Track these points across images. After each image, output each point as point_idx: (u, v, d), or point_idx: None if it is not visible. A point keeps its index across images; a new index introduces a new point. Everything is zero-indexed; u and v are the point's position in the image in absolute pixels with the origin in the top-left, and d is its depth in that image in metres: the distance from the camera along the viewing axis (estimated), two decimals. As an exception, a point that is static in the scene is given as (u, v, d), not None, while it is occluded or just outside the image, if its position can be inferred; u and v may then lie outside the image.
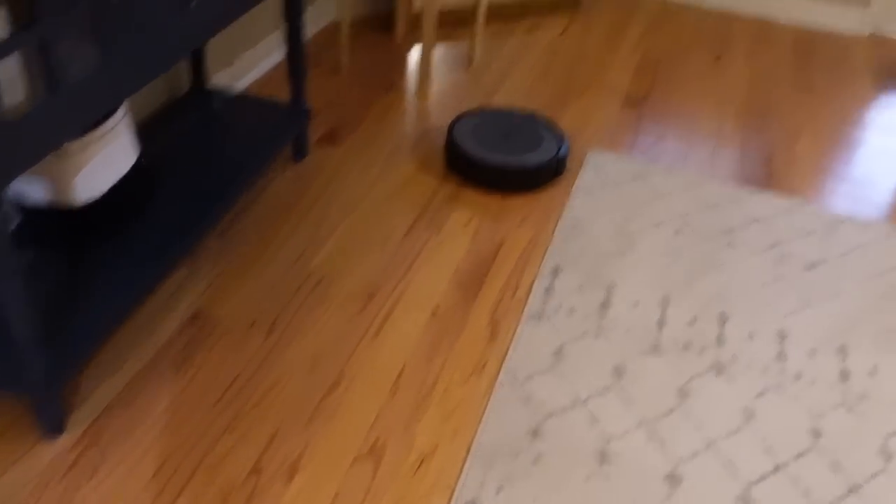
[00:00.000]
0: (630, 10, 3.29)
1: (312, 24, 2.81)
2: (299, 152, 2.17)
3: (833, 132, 2.57)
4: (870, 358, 1.73)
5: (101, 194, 1.53)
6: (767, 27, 3.27)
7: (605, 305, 1.79)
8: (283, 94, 2.46)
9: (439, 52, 2.83)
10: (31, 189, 1.48)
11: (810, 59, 3.03)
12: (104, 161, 1.50)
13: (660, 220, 2.09)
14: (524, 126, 2.28)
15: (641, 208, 2.12)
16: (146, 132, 1.94)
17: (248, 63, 2.46)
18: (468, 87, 2.62)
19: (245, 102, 2.11)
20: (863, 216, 2.19)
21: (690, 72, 2.85)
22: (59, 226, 1.55)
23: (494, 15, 3.07)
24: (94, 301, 1.47)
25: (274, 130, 2.01)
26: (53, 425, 1.40)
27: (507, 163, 2.12)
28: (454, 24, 3.02)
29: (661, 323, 1.76)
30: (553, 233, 2.02)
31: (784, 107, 2.69)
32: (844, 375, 1.68)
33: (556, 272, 1.88)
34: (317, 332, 1.68)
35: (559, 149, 2.20)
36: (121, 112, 1.53)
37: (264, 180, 2.10)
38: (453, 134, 2.22)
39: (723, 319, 1.79)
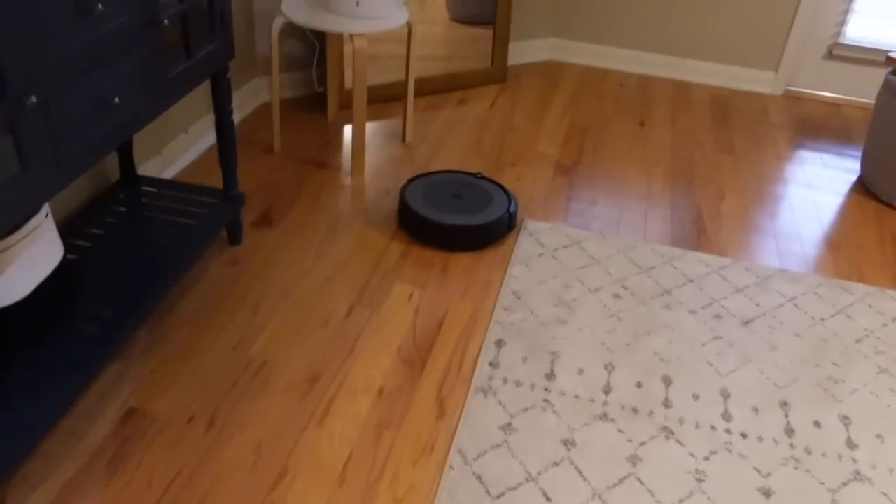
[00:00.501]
0: (554, 80, 3.39)
1: (245, 105, 2.81)
2: (234, 237, 2.13)
3: (755, 189, 2.67)
4: (811, 412, 1.75)
5: (25, 296, 1.47)
6: (685, 89, 3.41)
7: (550, 376, 1.79)
8: (215, 178, 2.44)
9: (372, 128, 2.86)
10: (-51, 294, 1.41)
11: (729, 120, 3.16)
12: (26, 262, 1.44)
13: (598, 285, 2.11)
14: (473, 185, 2.38)
15: (579, 275, 2.15)
16: (73, 226, 1.89)
17: (178, 149, 2.44)
18: (402, 162, 2.64)
19: (176, 190, 2.08)
20: (792, 269, 2.26)
21: (617, 137, 2.95)
22: (-20, 330, 1.48)
23: (424, 89, 3.13)
24: (18, 408, 1.40)
25: (207, 217, 1.98)
26: (-24, 547, 1.31)
27: (465, 222, 2.19)
28: (385, 100, 3.06)
29: (607, 389, 1.76)
30: (494, 304, 2.02)
31: (707, 167, 2.79)
32: (789, 431, 1.70)
33: (499, 344, 1.87)
34: (258, 422, 1.63)
35: (510, 204, 2.29)
36: (43, 211, 1.48)
37: (199, 268, 2.06)
38: (405, 197, 2.28)
39: (667, 382, 1.80)
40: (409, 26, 2.52)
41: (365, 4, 2.33)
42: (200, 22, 1.72)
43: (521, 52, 3.50)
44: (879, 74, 3.34)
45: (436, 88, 3.17)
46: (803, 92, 3.45)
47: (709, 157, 2.87)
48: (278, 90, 2.52)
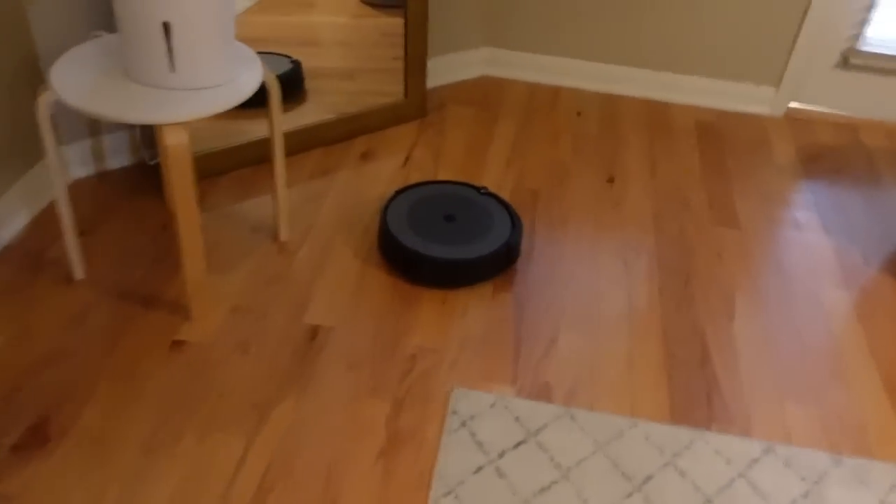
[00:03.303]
0: (491, 109, 2.54)
1: (31, 203, 1.90)
2: (-32, 498, 1.29)
3: (774, 291, 1.91)
4: None
5: None
6: (663, 113, 2.60)
7: None
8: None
9: (233, 216, 1.99)
10: None
11: (723, 163, 2.38)
12: None
13: (571, 533, 1.34)
14: (472, 203, 1.97)
15: (541, 511, 1.37)
16: None
17: None
18: (275, 283, 1.80)
19: None
20: (846, 454, 1.52)
21: (579, 206, 2.14)
22: None
23: (314, 140, 2.26)
24: None
25: None
26: None
27: (448, 255, 1.79)
28: (256, 161, 2.18)
29: None
30: None
31: (706, 254, 2.01)
32: None
33: None
34: None
35: (512, 233, 1.88)
36: None
37: None
38: (388, 217, 1.88)
39: None
40: (268, 89, 1.64)
41: (186, 69, 1.44)
42: None
43: (446, 68, 2.63)
44: (908, 88, 2.59)
45: (329, 138, 2.29)
46: (809, 111, 2.68)
47: (705, 233, 2.09)
48: (65, 197, 1.63)
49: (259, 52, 2.22)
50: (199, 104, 1.43)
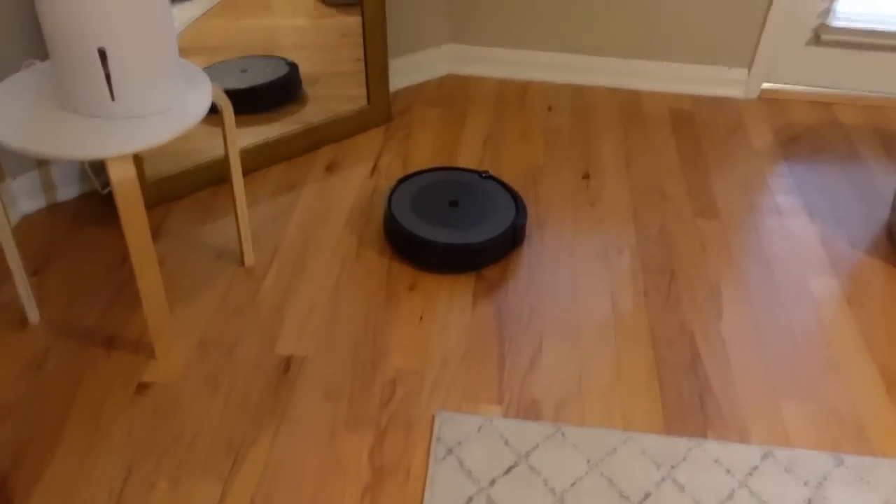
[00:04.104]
0: (459, 109, 2.46)
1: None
2: (-78, 577, 1.20)
3: (760, 283, 1.86)
4: None
5: None
6: (635, 103, 2.54)
7: None
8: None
9: (195, 239, 1.90)
10: None
11: (700, 152, 2.32)
12: None
13: (570, 562, 1.28)
14: (474, 188, 1.96)
15: (537, 540, 1.31)
16: None
17: None
18: (242, 313, 1.71)
19: None
20: (848, 452, 1.47)
21: (556, 206, 2.07)
22: None
23: (276, 154, 2.16)
24: None
25: None
26: None
27: (455, 240, 1.79)
28: (216, 180, 2.09)
29: None
30: None
31: (688, 248, 1.95)
32: None
33: None
34: None
35: (516, 216, 1.89)
36: None
37: None
38: (392, 204, 1.88)
39: None
40: (221, 110, 1.55)
41: (127, 96, 1.35)
42: None
43: (410, 68, 2.54)
44: (880, 61, 2.54)
45: (291, 151, 2.20)
46: (782, 90, 2.62)
47: (686, 225, 2.03)
48: (10, 238, 1.54)
49: (251, 56, 2.15)
50: (144, 133, 1.33)
